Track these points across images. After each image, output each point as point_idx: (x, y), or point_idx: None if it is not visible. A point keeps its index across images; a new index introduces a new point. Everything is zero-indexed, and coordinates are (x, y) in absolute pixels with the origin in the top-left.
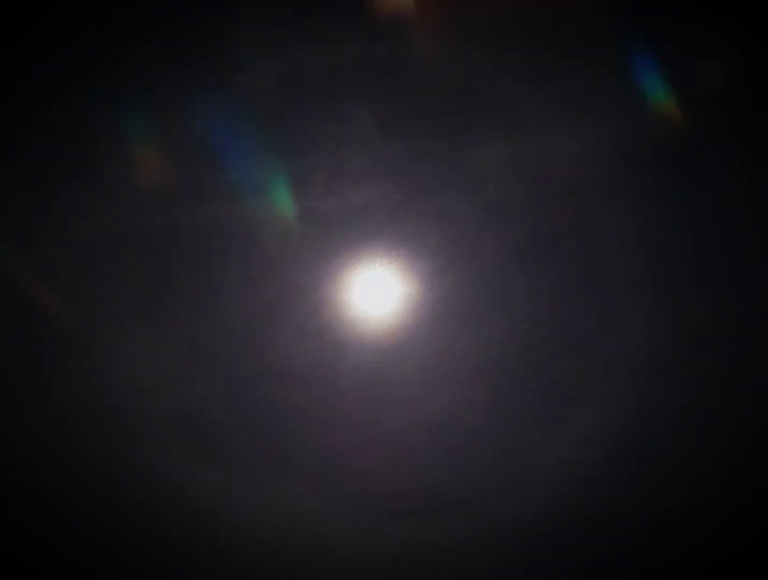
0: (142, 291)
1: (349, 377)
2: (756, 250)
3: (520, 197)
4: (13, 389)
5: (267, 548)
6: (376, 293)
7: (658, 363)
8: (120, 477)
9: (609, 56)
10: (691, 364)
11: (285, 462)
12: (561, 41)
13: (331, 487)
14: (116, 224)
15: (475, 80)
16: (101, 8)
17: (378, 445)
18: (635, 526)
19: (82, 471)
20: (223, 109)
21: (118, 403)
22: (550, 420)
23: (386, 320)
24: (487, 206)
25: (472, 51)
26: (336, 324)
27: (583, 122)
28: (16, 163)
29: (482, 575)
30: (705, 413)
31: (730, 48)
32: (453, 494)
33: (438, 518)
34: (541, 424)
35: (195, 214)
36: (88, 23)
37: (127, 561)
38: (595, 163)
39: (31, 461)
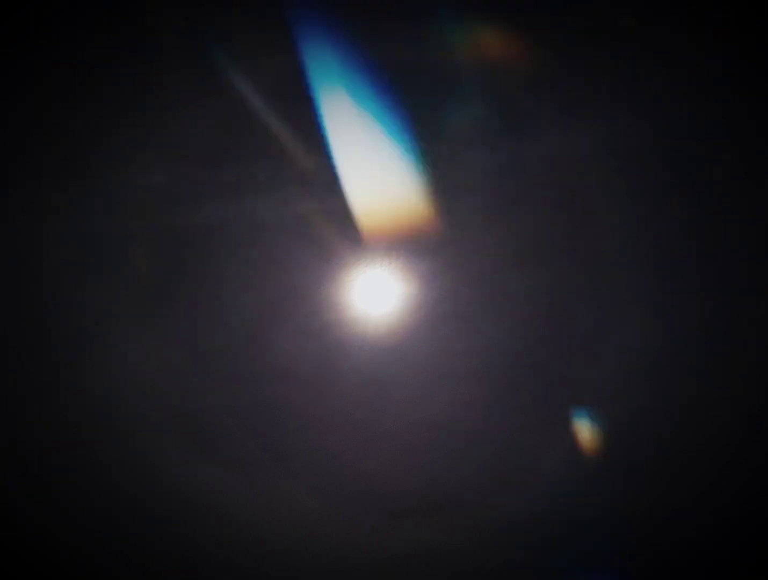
0: (143, 291)
1: (349, 377)
2: (756, 250)
3: (520, 197)
4: (13, 388)
5: (267, 548)
6: (376, 292)
7: (658, 363)
8: (120, 477)
9: (610, 55)
10: (691, 364)
11: (285, 462)
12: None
13: (331, 487)
14: (116, 224)
15: (475, 80)
16: (101, 8)
17: (378, 445)
18: (635, 526)
19: (81, 471)
20: (224, 109)
21: (118, 403)
22: (550, 420)
23: (386, 320)
24: (488, 206)
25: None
26: (336, 324)
27: (584, 122)
28: (17, 163)
29: (482, 575)
30: (705, 412)
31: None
32: (453, 494)
33: (438, 518)
34: (541, 424)
35: (195, 214)
36: (88, 23)
37: (126, 561)
38: (596, 163)
39: (31, 461)
